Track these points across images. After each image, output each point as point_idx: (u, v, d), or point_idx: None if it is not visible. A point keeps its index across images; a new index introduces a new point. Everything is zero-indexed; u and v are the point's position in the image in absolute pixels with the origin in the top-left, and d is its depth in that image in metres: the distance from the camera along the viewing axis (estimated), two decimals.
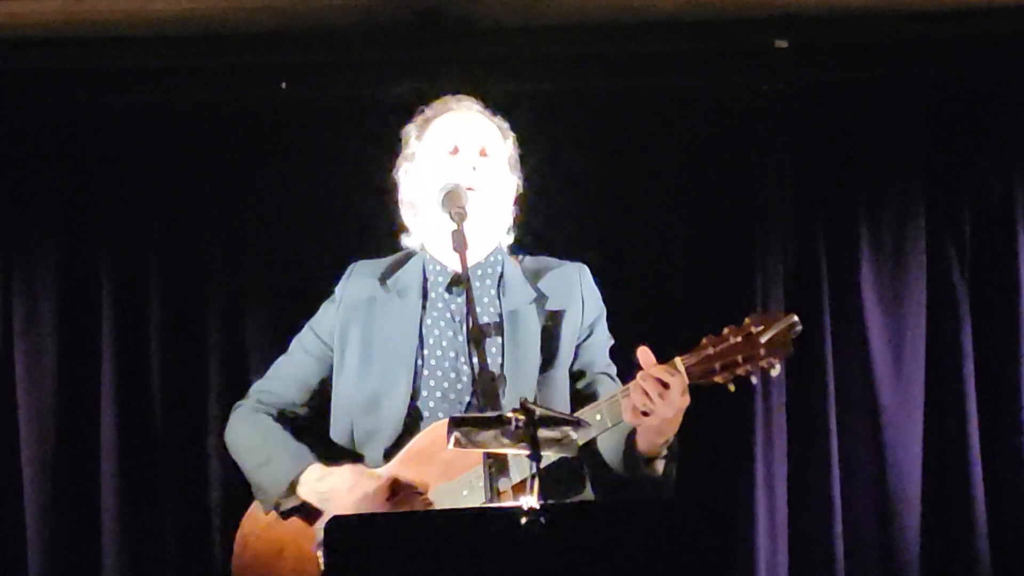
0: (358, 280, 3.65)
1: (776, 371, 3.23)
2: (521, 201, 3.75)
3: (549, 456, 2.86)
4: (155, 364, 4.72)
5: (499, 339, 3.48)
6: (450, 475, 3.37)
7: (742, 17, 4.67)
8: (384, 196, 4.40)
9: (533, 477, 2.68)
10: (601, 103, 4.75)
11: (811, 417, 4.73)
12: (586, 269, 3.65)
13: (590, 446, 3.37)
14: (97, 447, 4.66)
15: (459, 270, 3.42)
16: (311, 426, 3.63)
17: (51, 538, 4.64)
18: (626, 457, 3.38)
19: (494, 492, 3.11)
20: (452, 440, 2.80)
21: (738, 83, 4.79)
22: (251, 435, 3.60)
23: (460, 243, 3.32)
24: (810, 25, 4.70)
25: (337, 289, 3.68)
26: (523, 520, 2.61)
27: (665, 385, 3.18)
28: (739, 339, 3.21)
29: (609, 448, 3.41)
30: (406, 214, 3.69)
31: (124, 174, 4.75)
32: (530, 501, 2.63)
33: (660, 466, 3.37)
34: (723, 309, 3.29)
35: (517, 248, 3.73)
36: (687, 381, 3.21)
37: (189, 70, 4.72)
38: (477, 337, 3.18)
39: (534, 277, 3.60)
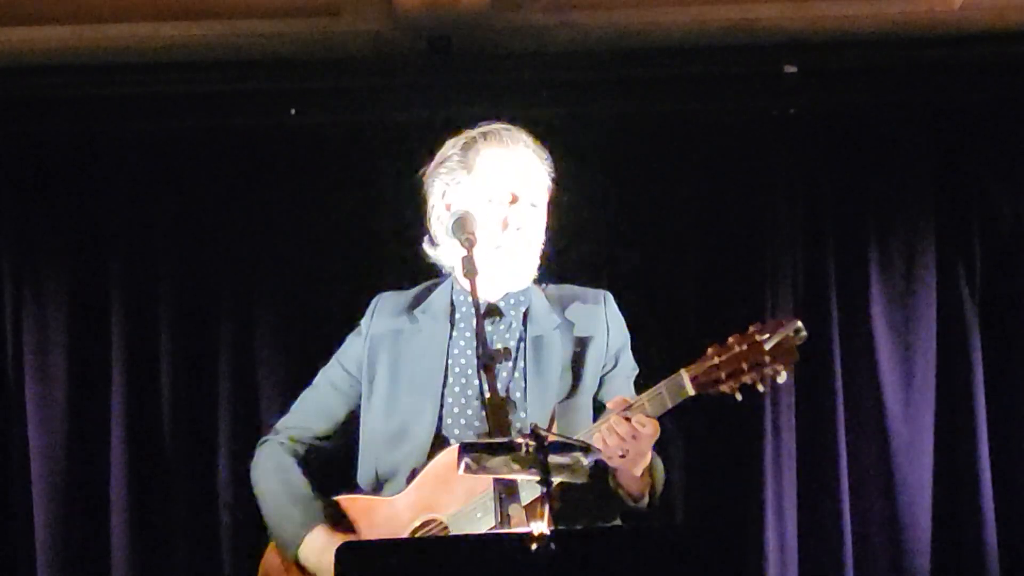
0: (384, 313, 3.66)
1: (782, 378, 3.21)
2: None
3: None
4: (165, 384, 4.71)
5: (521, 364, 3.50)
6: (465, 498, 3.38)
7: (752, 42, 4.69)
8: (395, 223, 4.44)
9: (543, 503, 2.68)
10: (612, 128, 4.76)
11: (820, 440, 4.73)
12: (610, 296, 3.66)
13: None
14: (107, 466, 4.67)
15: (492, 300, 3.52)
16: (336, 460, 3.63)
17: (61, 558, 4.64)
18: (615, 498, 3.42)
19: (504, 517, 3.11)
20: (462, 466, 2.80)
21: (748, 108, 4.80)
22: (271, 481, 3.59)
23: (471, 269, 3.33)
24: (819, 50, 4.71)
25: (363, 322, 3.68)
26: (533, 546, 2.61)
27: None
28: (744, 347, 3.21)
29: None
30: (436, 228, 3.65)
31: (134, 199, 4.76)
32: (540, 527, 2.63)
33: (646, 501, 3.42)
34: (735, 330, 3.28)
35: (540, 277, 3.72)
36: (657, 429, 3.23)
37: (199, 96, 4.74)
38: (487, 363, 3.18)
39: (559, 304, 3.61)
